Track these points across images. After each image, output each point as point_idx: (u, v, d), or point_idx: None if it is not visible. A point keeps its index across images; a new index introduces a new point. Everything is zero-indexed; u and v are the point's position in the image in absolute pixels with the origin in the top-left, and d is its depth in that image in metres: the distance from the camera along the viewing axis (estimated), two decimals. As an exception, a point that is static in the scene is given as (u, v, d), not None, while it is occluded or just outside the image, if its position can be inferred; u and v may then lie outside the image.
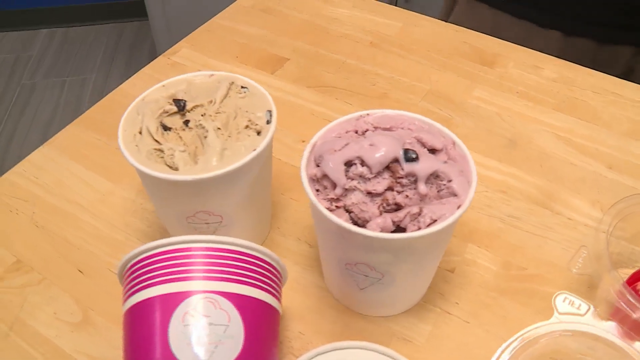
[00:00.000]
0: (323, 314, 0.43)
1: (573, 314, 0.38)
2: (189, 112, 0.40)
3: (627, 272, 0.43)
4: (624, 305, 0.37)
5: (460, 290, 0.44)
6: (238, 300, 0.33)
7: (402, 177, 0.35)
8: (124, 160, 0.38)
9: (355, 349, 0.39)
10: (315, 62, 0.64)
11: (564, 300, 0.39)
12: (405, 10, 0.72)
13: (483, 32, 0.68)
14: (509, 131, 0.57)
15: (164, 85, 0.42)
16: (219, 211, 0.39)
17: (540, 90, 0.61)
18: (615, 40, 0.71)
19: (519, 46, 0.66)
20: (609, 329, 0.37)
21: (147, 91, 0.42)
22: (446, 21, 0.73)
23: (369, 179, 0.35)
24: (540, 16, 0.72)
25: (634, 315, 0.38)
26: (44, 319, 0.43)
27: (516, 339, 0.38)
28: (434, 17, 0.71)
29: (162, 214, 0.43)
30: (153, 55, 2.29)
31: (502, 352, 0.38)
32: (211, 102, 0.40)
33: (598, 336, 0.37)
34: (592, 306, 0.39)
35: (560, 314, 0.38)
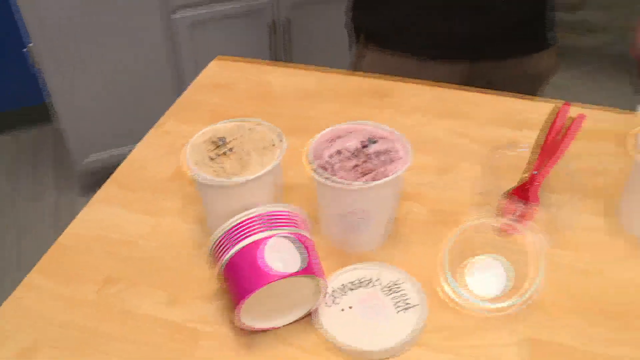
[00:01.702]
0: (331, 254, 0.66)
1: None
2: (228, 144, 0.63)
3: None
4: (509, 206, 0.65)
5: (408, 228, 0.70)
6: (298, 236, 0.56)
7: (370, 154, 0.61)
8: (157, 205, 0.60)
9: (370, 267, 0.63)
10: (274, 116, 0.88)
11: (474, 214, 0.66)
12: (315, 68, 1.00)
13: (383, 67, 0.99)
14: (417, 134, 0.84)
15: (203, 132, 0.66)
16: (265, 200, 0.62)
17: (428, 107, 0.90)
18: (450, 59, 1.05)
19: (402, 83, 0.96)
20: (505, 220, 0.65)
21: (193, 138, 0.65)
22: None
23: (350, 158, 0.61)
24: (400, 47, 1.05)
25: (516, 212, 0.66)
26: (145, 308, 0.63)
27: (452, 237, 0.64)
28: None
29: (217, 217, 0.65)
30: (59, 156, 2.41)
31: (447, 247, 0.64)
32: (241, 136, 0.64)
33: (499, 225, 0.65)
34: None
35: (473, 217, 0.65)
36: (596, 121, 0.84)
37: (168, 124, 0.89)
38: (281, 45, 1.94)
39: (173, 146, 0.84)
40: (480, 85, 1.01)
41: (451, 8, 1.01)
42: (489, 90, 0.95)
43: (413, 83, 0.95)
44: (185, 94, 0.95)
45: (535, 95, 1.15)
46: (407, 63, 1.06)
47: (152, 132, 0.87)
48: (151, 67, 1.89)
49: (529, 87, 1.08)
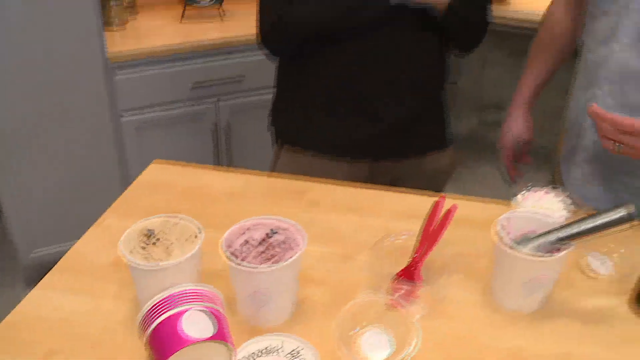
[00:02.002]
0: (245, 328, 0.78)
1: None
2: (155, 235, 0.76)
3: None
4: (397, 285, 0.79)
5: (311, 306, 0.83)
6: (211, 309, 0.68)
7: (272, 242, 0.75)
8: (96, 288, 0.73)
9: (275, 337, 0.76)
10: (202, 214, 1.02)
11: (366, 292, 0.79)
12: (242, 170, 1.15)
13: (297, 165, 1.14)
14: (326, 226, 0.99)
15: (135, 225, 0.78)
16: (186, 282, 0.75)
17: (336, 203, 1.06)
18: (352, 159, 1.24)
19: (314, 183, 1.11)
20: (393, 297, 0.79)
21: (127, 230, 0.78)
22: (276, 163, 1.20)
23: (256, 246, 0.75)
24: (309, 148, 1.22)
25: (402, 290, 0.80)
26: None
27: (345, 309, 0.77)
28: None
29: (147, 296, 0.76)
30: (5, 250, 2.44)
31: (340, 318, 0.77)
32: (168, 229, 0.77)
33: (388, 301, 0.78)
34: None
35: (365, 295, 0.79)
36: (481, 211, 1.01)
37: (108, 220, 1.01)
38: (223, 148, 2.11)
39: (112, 240, 0.95)
40: (384, 182, 1.18)
41: (350, 115, 1.20)
42: (391, 188, 1.12)
43: (324, 183, 1.12)
44: (125, 193, 1.08)
45: (439, 191, 1.33)
46: (316, 162, 1.23)
47: (92, 229, 0.99)
48: (99, 166, 2.01)
49: (430, 183, 1.27)
